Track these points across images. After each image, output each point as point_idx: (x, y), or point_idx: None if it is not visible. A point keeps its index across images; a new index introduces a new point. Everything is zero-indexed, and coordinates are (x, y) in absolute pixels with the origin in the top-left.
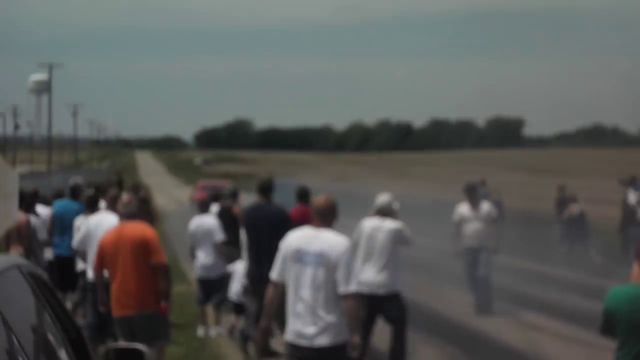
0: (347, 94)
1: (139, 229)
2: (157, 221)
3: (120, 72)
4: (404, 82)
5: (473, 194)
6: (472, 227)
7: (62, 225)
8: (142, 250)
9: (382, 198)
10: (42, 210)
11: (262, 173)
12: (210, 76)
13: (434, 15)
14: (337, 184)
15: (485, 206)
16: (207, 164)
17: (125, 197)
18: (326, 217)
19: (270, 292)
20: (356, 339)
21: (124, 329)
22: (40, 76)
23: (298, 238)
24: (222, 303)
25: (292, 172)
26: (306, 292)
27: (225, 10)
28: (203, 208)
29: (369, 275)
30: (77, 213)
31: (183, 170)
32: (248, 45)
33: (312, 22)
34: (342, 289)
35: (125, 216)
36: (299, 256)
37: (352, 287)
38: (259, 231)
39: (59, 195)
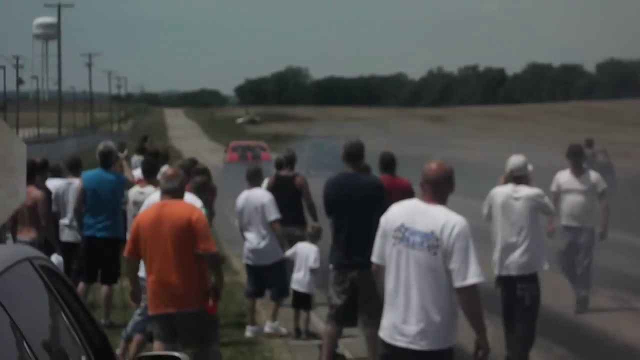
0: (425, 35)
1: (184, 209)
2: (215, 198)
3: (142, 14)
4: (494, 19)
5: (577, 159)
6: (573, 201)
7: (97, 202)
8: (187, 235)
9: (516, 160)
10: (54, 183)
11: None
12: (252, 16)
13: None
14: (412, 147)
15: (593, 175)
16: (253, 123)
17: (170, 169)
18: (439, 189)
19: (379, 276)
20: (482, 340)
21: (162, 330)
22: (46, 19)
23: (402, 212)
24: (283, 295)
25: (356, 131)
26: (409, 281)
27: None
28: (253, 179)
29: (507, 254)
30: (114, 185)
31: (223, 132)
32: None
33: None
34: (458, 281)
35: (167, 192)
36: (402, 235)
37: (471, 280)
38: (350, 207)
39: (74, 165)
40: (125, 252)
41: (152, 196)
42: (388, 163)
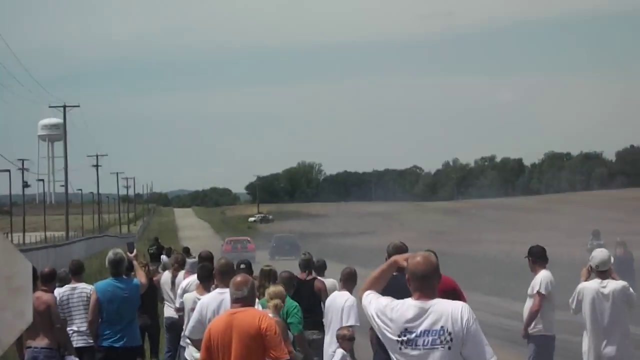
0: (440, 126)
1: (254, 317)
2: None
3: (149, 114)
4: (510, 109)
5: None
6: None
7: (112, 312)
8: (258, 344)
9: (601, 255)
10: (57, 290)
11: (336, 230)
12: (262, 111)
13: (545, 19)
14: (429, 242)
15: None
16: (266, 221)
17: (240, 276)
18: (431, 283)
19: None
20: None
21: None
22: (51, 120)
23: (401, 316)
24: None
25: (371, 227)
26: None
27: (276, 27)
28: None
29: (605, 350)
30: (128, 293)
31: (235, 231)
32: (308, 69)
33: (389, 37)
34: None
35: (237, 300)
36: (409, 339)
37: None
38: None
39: (77, 269)
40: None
41: (203, 299)
42: None
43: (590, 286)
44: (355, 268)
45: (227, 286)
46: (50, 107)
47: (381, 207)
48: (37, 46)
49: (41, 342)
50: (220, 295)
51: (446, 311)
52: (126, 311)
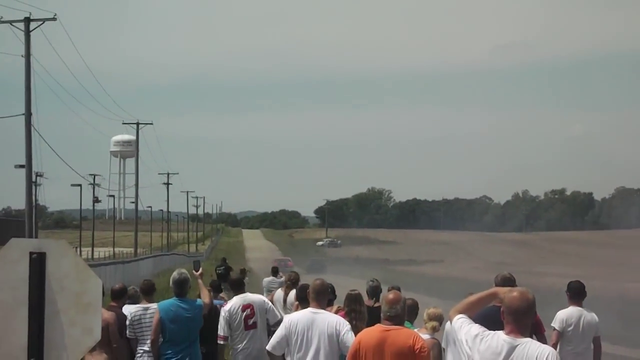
0: (511, 157)
1: (408, 337)
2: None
3: (221, 134)
4: (581, 142)
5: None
6: None
7: (174, 333)
8: None
9: None
10: (129, 309)
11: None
12: (334, 136)
13: (621, 54)
14: (496, 272)
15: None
16: (334, 245)
17: (392, 293)
18: (523, 320)
19: None
20: None
21: None
22: (124, 137)
23: (491, 350)
24: None
25: (439, 256)
26: None
27: (351, 54)
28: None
29: None
30: (191, 313)
31: (302, 254)
32: (381, 96)
33: (465, 66)
34: None
35: (390, 318)
36: None
37: None
38: None
39: (148, 290)
40: None
41: (292, 316)
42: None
43: None
44: (416, 300)
45: (320, 307)
46: (123, 123)
47: (449, 236)
48: (113, 63)
49: (98, 358)
50: (312, 315)
51: (531, 356)
52: (188, 332)
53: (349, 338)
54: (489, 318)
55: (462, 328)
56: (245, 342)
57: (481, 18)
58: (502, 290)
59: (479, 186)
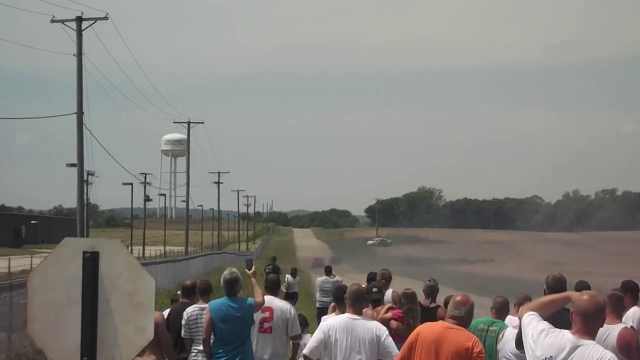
0: (562, 156)
1: (467, 339)
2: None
3: (272, 133)
4: (633, 141)
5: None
6: None
7: (225, 332)
8: None
9: None
10: (187, 310)
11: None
12: (384, 135)
13: None
14: (546, 272)
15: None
16: (384, 244)
17: (460, 294)
18: (591, 322)
19: None
20: None
21: None
22: (175, 135)
23: (552, 345)
24: None
25: (489, 255)
26: None
27: (401, 53)
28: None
29: None
30: (242, 313)
31: (353, 253)
32: (432, 94)
33: (516, 65)
34: None
35: (454, 317)
36: None
37: None
38: None
39: (205, 290)
40: (398, 357)
41: (330, 320)
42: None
43: None
44: (507, 298)
45: (357, 313)
46: (174, 122)
47: (499, 235)
48: (164, 62)
49: (147, 359)
50: (351, 321)
51: (592, 358)
52: (240, 331)
53: (390, 343)
54: (555, 319)
55: (531, 323)
56: (255, 344)
57: (533, 17)
58: (575, 295)
59: (529, 186)
